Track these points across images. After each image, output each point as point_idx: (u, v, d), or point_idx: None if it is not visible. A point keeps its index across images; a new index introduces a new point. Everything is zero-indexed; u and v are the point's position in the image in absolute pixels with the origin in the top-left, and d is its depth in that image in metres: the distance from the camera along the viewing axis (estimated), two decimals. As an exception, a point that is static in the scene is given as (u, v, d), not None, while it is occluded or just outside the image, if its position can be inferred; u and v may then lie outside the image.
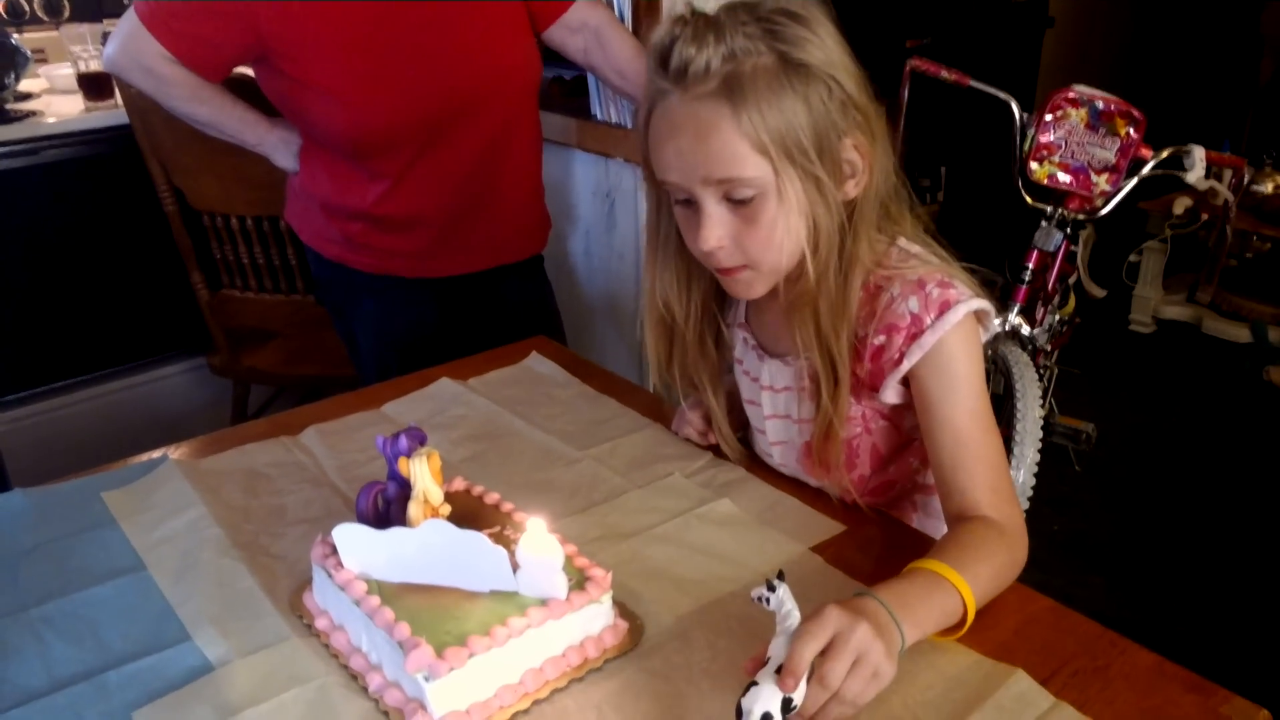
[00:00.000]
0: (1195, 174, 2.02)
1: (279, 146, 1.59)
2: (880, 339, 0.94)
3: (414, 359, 1.50)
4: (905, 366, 0.93)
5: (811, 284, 0.92)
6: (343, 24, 1.42)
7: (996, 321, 2.14)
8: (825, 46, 0.88)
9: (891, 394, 0.96)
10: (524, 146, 1.65)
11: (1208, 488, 2.60)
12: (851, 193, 0.92)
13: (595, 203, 2.09)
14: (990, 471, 0.91)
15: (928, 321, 0.91)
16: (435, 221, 1.59)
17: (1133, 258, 3.39)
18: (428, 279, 1.64)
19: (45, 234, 2.35)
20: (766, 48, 0.86)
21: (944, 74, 2.12)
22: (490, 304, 1.71)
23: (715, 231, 0.90)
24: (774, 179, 0.87)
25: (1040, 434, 1.95)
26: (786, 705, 0.67)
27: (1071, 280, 2.42)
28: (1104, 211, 2.11)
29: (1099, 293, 2.73)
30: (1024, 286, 2.17)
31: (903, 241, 0.97)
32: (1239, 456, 2.74)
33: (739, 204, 0.89)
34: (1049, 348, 2.36)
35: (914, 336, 0.92)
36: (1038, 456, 1.93)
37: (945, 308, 0.91)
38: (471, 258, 1.65)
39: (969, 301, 0.92)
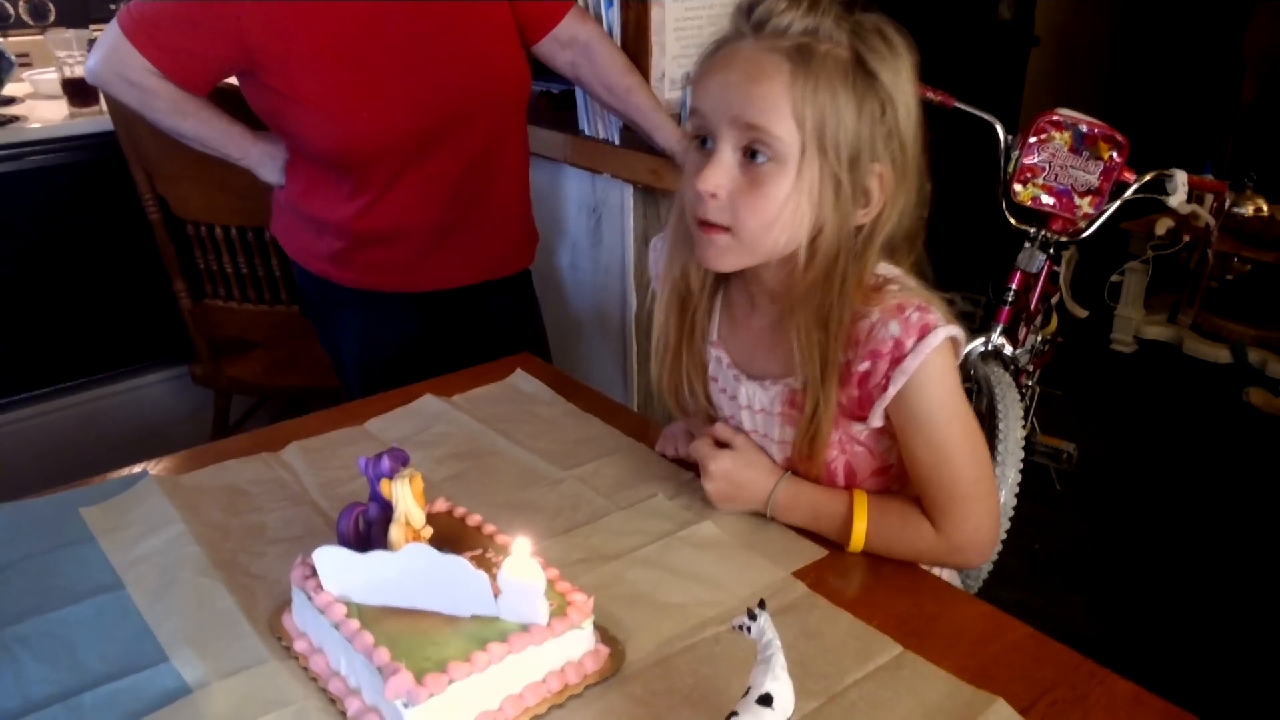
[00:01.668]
0: (1177, 198, 2.04)
1: (264, 160, 1.58)
2: (865, 365, 0.95)
3: (398, 373, 1.49)
4: (892, 391, 0.94)
5: (800, 288, 0.93)
6: (330, 37, 1.42)
7: (979, 341, 2.16)
8: (899, 75, 0.90)
9: (878, 419, 0.97)
10: (511, 160, 1.64)
11: (1187, 508, 2.62)
12: (859, 219, 0.93)
13: (581, 218, 2.09)
14: (967, 489, 0.95)
15: (909, 346, 0.92)
16: (420, 235, 1.58)
17: (1115, 278, 3.42)
18: (413, 293, 1.63)
19: (27, 240, 2.33)
20: (848, 43, 0.88)
21: (929, 95, 2.13)
22: (476, 319, 1.70)
23: (718, 177, 0.90)
24: (798, 156, 0.88)
25: (1022, 453, 1.96)
26: (766, 735, 0.67)
27: (1054, 300, 2.44)
28: (1087, 233, 2.13)
29: (1081, 313, 2.75)
30: (1007, 307, 2.18)
31: (882, 266, 0.97)
32: (1218, 477, 2.76)
33: (753, 164, 0.89)
34: (1031, 367, 2.37)
35: (897, 361, 0.92)
36: (1019, 476, 1.94)
37: (925, 331, 0.92)
38: (457, 272, 1.64)
39: (946, 327, 0.93)
